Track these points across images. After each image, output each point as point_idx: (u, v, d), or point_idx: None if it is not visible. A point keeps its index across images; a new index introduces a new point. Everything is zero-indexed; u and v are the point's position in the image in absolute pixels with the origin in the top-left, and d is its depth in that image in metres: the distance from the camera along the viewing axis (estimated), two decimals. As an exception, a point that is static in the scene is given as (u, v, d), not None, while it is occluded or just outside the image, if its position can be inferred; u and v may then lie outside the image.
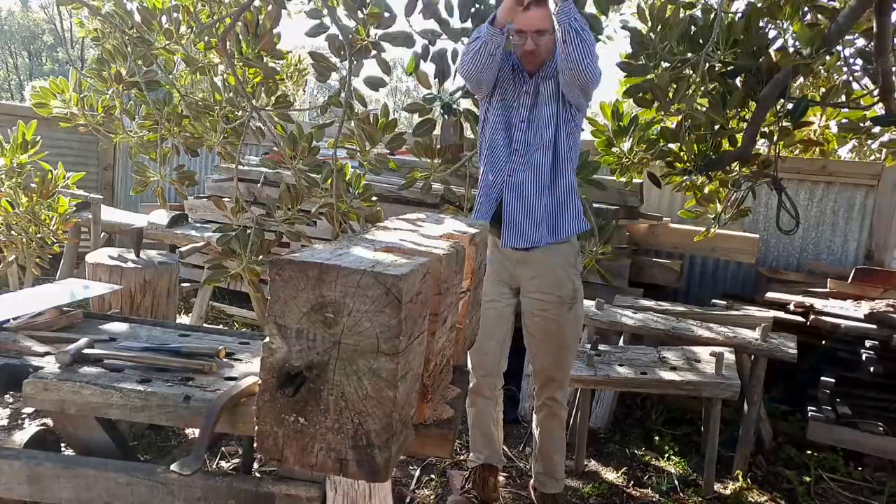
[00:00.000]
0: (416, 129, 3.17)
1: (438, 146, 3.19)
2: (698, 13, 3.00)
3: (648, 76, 2.94)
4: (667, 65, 2.88)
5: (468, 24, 3.03)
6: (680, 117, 3.17)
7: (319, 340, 1.17)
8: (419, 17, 3.05)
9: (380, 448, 1.18)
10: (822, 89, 3.40)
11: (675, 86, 2.93)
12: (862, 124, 3.23)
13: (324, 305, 1.16)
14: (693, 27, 2.92)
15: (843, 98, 3.23)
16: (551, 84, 2.53)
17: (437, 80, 3.12)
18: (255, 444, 1.24)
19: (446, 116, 3.23)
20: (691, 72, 2.85)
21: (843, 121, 3.33)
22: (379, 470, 1.19)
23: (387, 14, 2.82)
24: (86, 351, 1.95)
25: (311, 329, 1.17)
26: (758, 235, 4.64)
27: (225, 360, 2.07)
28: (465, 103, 3.28)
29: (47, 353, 2.00)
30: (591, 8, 2.98)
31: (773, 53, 2.98)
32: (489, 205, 2.62)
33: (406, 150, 3.36)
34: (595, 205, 3.95)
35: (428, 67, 3.14)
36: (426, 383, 1.44)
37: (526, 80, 2.57)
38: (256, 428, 1.22)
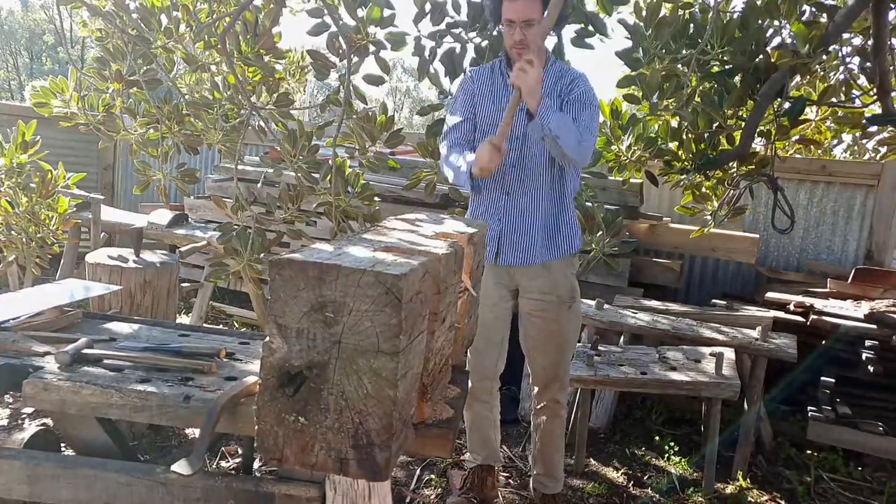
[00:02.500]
0: (429, 130, 3.14)
1: None
2: (696, 11, 3.00)
3: (641, 70, 2.94)
4: (659, 62, 2.87)
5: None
6: (669, 116, 3.17)
7: (320, 340, 1.17)
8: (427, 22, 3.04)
9: (380, 447, 1.18)
10: (820, 84, 3.40)
11: (665, 85, 2.93)
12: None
13: (324, 305, 1.16)
14: (692, 25, 2.92)
15: (842, 97, 3.23)
16: (547, 101, 2.41)
17: (448, 78, 3.11)
18: (255, 444, 1.24)
19: None
20: (684, 68, 2.85)
21: (839, 114, 3.32)
22: (379, 469, 1.19)
23: (387, 12, 2.82)
24: (85, 351, 1.95)
25: (312, 328, 1.17)
26: (758, 235, 4.64)
27: (225, 360, 2.07)
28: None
29: (47, 353, 2.00)
30: (593, 7, 2.98)
31: (770, 52, 2.98)
32: (492, 222, 2.58)
33: (408, 149, 3.36)
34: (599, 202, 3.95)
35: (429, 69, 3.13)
36: (425, 382, 1.44)
37: None
38: (257, 427, 1.22)
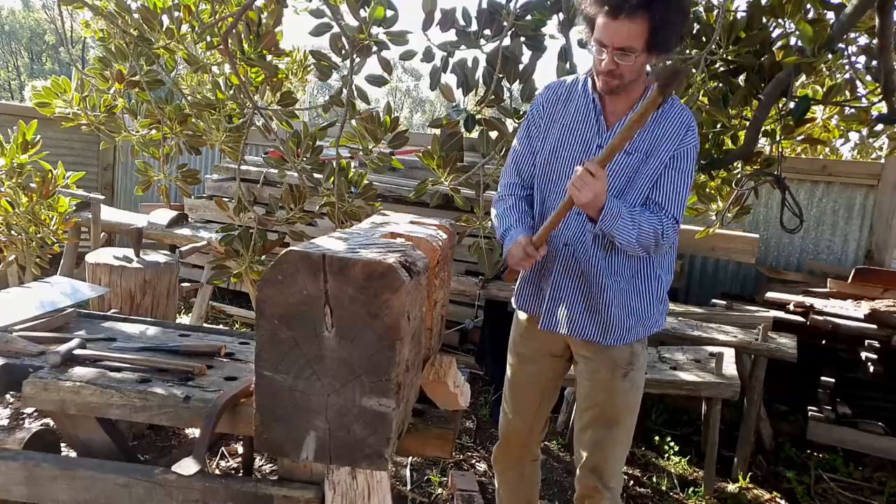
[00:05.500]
0: (445, 142, 3.08)
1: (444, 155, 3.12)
2: (700, 10, 3.00)
3: None
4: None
5: (486, 31, 3.00)
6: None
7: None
8: (436, 29, 3.00)
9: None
10: (825, 85, 3.39)
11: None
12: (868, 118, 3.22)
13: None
14: (697, 24, 2.92)
15: (847, 96, 3.23)
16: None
17: (461, 90, 3.07)
18: (255, 444, 1.24)
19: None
20: (693, 69, 2.85)
21: (847, 111, 3.31)
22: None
23: (390, 12, 2.81)
24: (77, 352, 1.94)
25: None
26: (758, 235, 4.64)
27: (225, 359, 2.07)
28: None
29: (42, 353, 1.99)
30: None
31: (775, 52, 2.98)
32: (533, 275, 2.14)
33: (410, 149, 3.33)
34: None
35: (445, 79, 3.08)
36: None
37: (602, 132, 2.00)
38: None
